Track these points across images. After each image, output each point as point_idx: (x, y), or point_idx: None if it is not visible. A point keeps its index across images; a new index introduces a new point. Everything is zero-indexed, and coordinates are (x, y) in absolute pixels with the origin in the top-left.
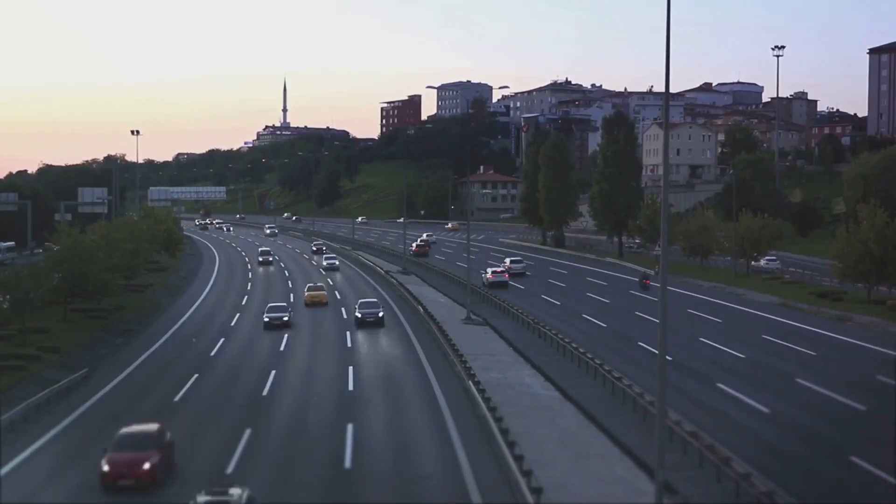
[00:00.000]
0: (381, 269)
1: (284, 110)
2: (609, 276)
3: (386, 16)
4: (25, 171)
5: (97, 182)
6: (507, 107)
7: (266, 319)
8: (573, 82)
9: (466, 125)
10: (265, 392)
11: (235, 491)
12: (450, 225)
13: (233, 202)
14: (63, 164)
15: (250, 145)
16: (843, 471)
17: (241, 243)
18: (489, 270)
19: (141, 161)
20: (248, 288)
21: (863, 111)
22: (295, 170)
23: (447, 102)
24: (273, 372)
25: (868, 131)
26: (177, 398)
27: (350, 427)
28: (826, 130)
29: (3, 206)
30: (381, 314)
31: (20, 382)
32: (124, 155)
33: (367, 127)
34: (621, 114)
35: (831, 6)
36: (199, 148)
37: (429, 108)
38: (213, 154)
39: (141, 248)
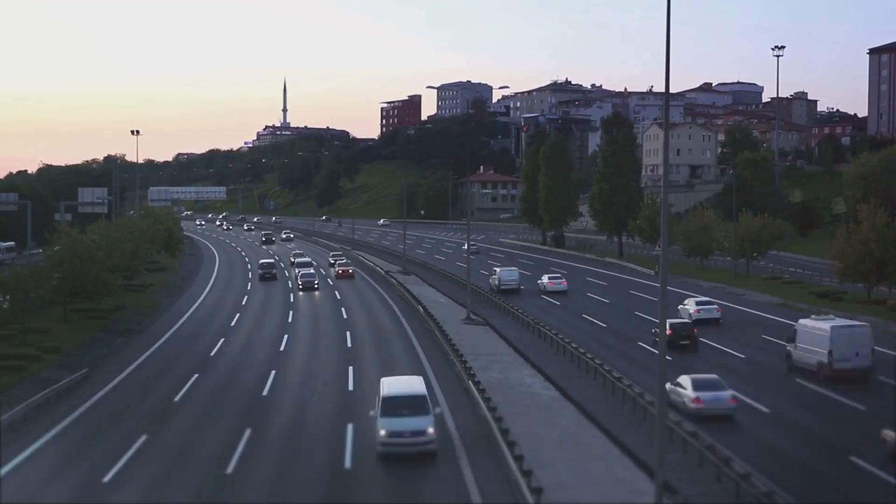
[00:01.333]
0: (381, 269)
1: (284, 110)
2: (609, 276)
3: (386, 16)
4: (25, 171)
5: (97, 182)
6: (507, 107)
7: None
8: (573, 82)
9: (466, 125)
10: (265, 392)
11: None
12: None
13: (233, 202)
14: (63, 164)
15: (250, 145)
16: (843, 471)
17: None
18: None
19: (141, 161)
20: (248, 288)
21: (863, 111)
22: (295, 170)
23: (447, 102)
24: (273, 372)
25: (868, 131)
26: (177, 398)
27: (350, 427)
28: (826, 130)
29: (3, 206)
30: None
31: (20, 382)
32: (124, 155)
33: (367, 127)
34: (620, 114)
35: (831, 6)
36: (199, 148)
37: (429, 108)
38: (213, 154)
39: (141, 248)
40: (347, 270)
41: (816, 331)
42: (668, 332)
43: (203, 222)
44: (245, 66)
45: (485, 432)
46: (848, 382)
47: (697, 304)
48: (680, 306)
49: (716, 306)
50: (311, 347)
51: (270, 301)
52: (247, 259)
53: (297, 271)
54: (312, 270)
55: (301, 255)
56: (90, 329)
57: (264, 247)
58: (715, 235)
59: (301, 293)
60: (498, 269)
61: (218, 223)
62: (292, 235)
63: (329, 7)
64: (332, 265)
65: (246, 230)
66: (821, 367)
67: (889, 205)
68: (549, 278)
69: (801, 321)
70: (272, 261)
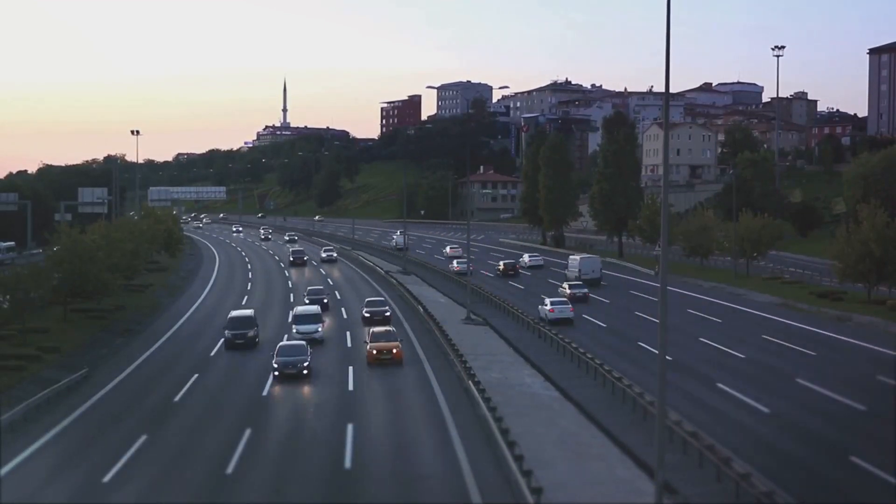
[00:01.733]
0: (381, 269)
1: (284, 110)
2: (609, 276)
3: (386, 16)
4: (25, 171)
5: (97, 182)
6: (507, 107)
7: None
8: (573, 82)
9: (466, 125)
10: (265, 392)
11: None
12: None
13: (233, 202)
14: (63, 164)
15: (250, 145)
16: (843, 471)
17: None
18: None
19: (141, 161)
20: (248, 288)
21: (863, 111)
22: (295, 170)
23: (447, 102)
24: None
25: (868, 131)
26: (177, 398)
27: (350, 427)
28: (826, 130)
29: (3, 206)
30: None
31: (20, 382)
32: (124, 155)
33: (367, 127)
34: (621, 114)
35: (831, 6)
36: (199, 148)
37: (429, 108)
38: (213, 154)
39: (141, 248)
40: (392, 350)
41: (574, 260)
42: (501, 267)
43: (240, 228)
44: (245, 66)
45: (485, 432)
46: (587, 282)
47: (529, 256)
48: (520, 259)
49: (540, 257)
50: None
51: (271, 301)
52: (247, 259)
53: (293, 329)
54: (316, 331)
55: (317, 292)
56: (90, 329)
57: (291, 272)
58: (715, 235)
59: (304, 297)
60: (394, 236)
61: (263, 236)
62: (334, 255)
63: (329, 7)
64: (367, 319)
65: (287, 240)
66: (576, 277)
67: (889, 205)
68: (451, 247)
69: (570, 257)
70: (250, 314)
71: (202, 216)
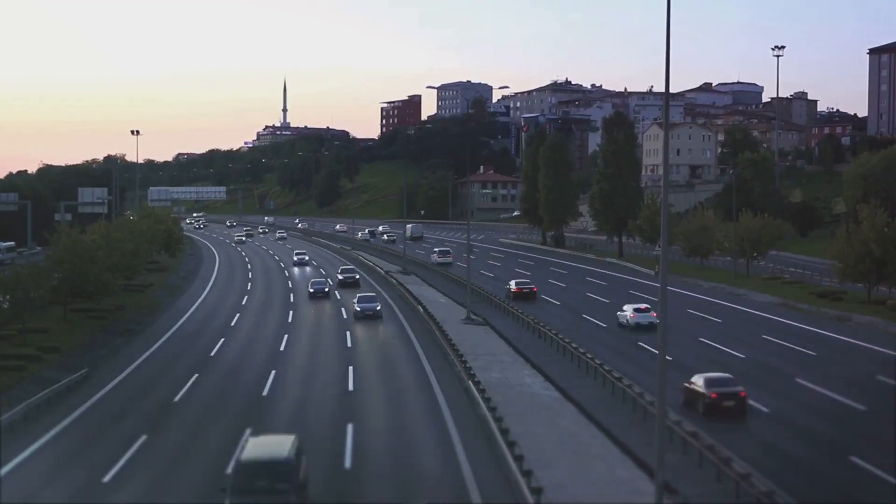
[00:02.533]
0: (381, 269)
1: (284, 110)
2: (609, 276)
3: (385, 15)
4: (25, 171)
5: (97, 182)
6: (507, 107)
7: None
8: (573, 82)
9: (466, 125)
10: (265, 392)
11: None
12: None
13: (233, 202)
14: (63, 164)
15: (250, 145)
16: (843, 471)
17: None
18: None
19: (141, 161)
20: (248, 288)
21: (863, 111)
22: (295, 170)
23: (447, 102)
24: (273, 372)
25: (868, 131)
26: (177, 398)
27: (350, 427)
28: (826, 130)
29: (3, 206)
30: None
31: (20, 382)
32: (124, 155)
33: (367, 127)
34: (621, 114)
35: (831, 6)
36: (199, 148)
37: (429, 108)
38: (213, 154)
39: (141, 248)
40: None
41: (409, 226)
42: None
43: (307, 257)
44: (245, 66)
45: (485, 432)
46: (414, 238)
47: (383, 227)
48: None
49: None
50: (310, 347)
51: (270, 301)
52: (247, 259)
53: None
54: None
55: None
56: (90, 329)
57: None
58: (715, 235)
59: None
60: (267, 218)
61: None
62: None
63: (329, 7)
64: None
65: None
66: (410, 235)
67: (889, 205)
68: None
69: (407, 225)
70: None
71: (246, 227)
